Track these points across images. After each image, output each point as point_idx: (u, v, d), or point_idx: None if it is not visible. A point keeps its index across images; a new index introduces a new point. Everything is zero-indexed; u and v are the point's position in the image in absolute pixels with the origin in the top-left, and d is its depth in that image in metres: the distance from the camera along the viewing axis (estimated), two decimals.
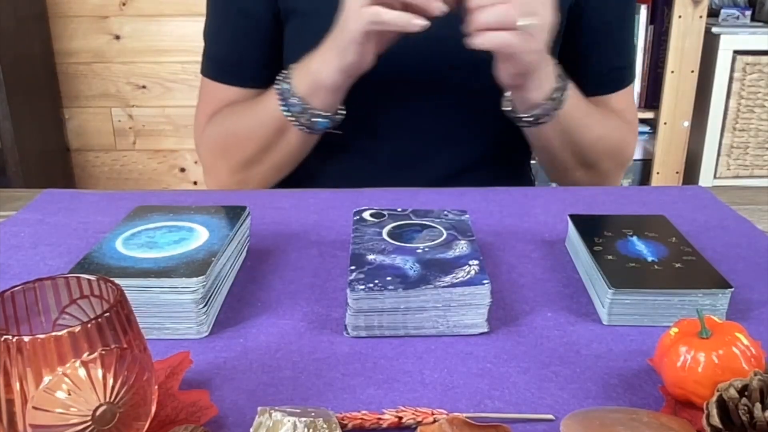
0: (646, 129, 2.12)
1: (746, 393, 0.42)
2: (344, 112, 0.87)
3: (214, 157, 0.97)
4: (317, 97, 0.84)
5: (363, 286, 0.56)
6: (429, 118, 0.93)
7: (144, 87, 2.28)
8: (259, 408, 0.43)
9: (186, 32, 2.20)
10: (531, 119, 0.87)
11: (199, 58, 0.98)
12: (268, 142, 0.89)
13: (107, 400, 0.39)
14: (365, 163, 0.96)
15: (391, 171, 0.95)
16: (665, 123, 2.04)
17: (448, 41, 0.83)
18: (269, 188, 0.94)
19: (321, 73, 0.82)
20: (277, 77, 0.86)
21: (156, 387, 0.43)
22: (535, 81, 0.83)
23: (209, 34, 0.97)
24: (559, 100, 0.85)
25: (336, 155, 0.96)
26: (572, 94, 0.87)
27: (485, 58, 0.86)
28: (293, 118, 0.85)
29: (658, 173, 2.10)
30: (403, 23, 0.74)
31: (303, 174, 0.96)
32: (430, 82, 0.91)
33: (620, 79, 0.99)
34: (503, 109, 0.87)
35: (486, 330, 0.57)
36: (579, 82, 0.98)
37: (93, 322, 0.38)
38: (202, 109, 0.98)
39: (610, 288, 0.58)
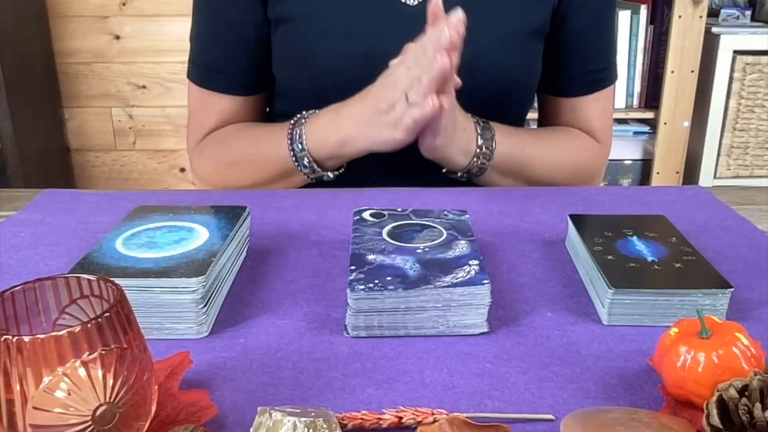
0: (646, 129, 2.12)
1: (746, 393, 0.42)
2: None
3: (210, 176, 0.97)
4: (332, 162, 0.87)
5: (363, 286, 0.56)
6: None
7: (144, 87, 2.28)
8: (259, 408, 0.43)
9: (186, 32, 2.17)
10: (466, 176, 0.89)
11: None
12: (271, 178, 0.91)
13: (107, 400, 0.39)
14: (360, 169, 0.96)
15: (383, 176, 0.95)
16: (665, 123, 2.04)
17: None
18: None
19: (345, 148, 0.85)
20: (289, 131, 0.87)
21: (156, 387, 0.43)
22: (454, 147, 0.85)
23: (196, 39, 0.97)
24: (488, 154, 0.87)
25: None
26: (503, 138, 0.89)
27: (478, 61, 0.87)
28: (303, 172, 0.88)
29: (658, 173, 2.10)
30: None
31: None
32: None
33: (597, 81, 1.00)
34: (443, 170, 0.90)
35: (486, 330, 0.57)
36: (557, 83, 0.99)
37: (93, 322, 0.38)
38: (197, 119, 0.98)
39: (610, 288, 0.58)
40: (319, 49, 0.89)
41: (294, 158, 0.87)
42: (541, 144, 0.96)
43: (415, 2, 0.89)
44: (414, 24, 0.88)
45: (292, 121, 0.88)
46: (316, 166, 0.87)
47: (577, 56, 0.98)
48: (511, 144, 0.90)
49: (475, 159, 0.87)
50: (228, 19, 0.93)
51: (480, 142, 0.87)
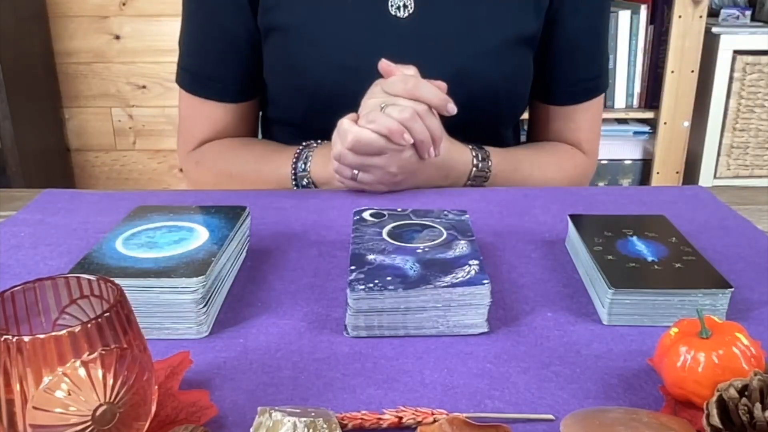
0: (646, 129, 2.12)
1: (746, 393, 0.42)
2: None
3: (206, 185, 0.98)
4: (329, 186, 0.87)
5: (363, 286, 0.56)
6: None
7: (144, 87, 2.29)
8: (259, 408, 0.43)
9: None
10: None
11: None
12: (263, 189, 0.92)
13: (107, 400, 0.39)
14: None
15: None
16: (665, 123, 2.04)
17: (423, 60, 0.83)
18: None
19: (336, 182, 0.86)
20: (297, 152, 0.88)
21: (156, 387, 0.43)
22: (448, 180, 0.87)
23: (186, 44, 0.97)
24: (483, 177, 0.89)
25: None
26: (500, 161, 0.90)
27: (468, 70, 0.87)
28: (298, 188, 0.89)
29: (658, 173, 2.10)
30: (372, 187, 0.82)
31: None
32: None
33: (587, 91, 1.00)
34: None
35: (486, 330, 0.57)
36: (548, 91, 0.99)
37: (93, 322, 0.38)
38: (188, 125, 0.98)
39: (610, 288, 0.58)
40: (309, 60, 0.89)
41: (295, 179, 0.87)
42: (535, 163, 0.97)
43: (406, 15, 0.88)
44: (405, 37, 0.88)
45: (304, 143, 0.89)
46: (314, 188, 0.88)
47: (568, 64, 0.97)
48: (505, 164, 0.91)
49: (469, 182, 0.89)
50: (218, 26, 0.93)
51: (475, 162, 0.88)
